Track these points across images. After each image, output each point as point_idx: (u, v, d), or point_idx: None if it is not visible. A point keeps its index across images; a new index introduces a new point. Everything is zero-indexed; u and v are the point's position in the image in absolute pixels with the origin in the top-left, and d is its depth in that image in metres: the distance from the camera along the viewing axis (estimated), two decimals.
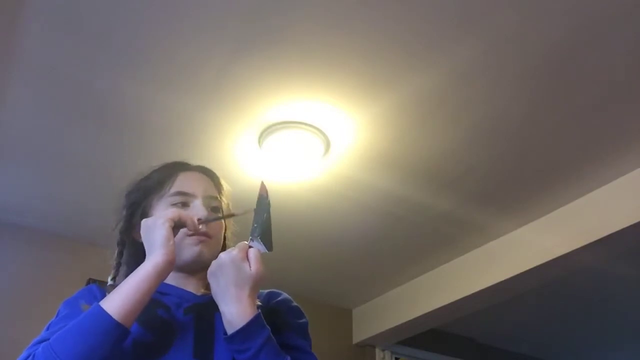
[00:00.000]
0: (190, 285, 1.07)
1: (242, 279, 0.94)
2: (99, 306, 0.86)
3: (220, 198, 1.14)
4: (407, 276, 3.34)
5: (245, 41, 1.86)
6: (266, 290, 1.12)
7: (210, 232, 1.06)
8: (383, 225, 2.83)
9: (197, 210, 1.06)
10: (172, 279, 1.04)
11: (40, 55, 1.91)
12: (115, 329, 0.84)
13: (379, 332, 3.50)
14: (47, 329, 0.95)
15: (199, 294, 1.06)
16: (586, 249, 2.57)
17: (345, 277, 3.35)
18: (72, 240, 2.86)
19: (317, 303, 3.55)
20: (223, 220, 1.12)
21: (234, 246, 1.00)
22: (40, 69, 1.96)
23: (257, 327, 0.92)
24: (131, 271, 0.94)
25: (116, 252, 1.10)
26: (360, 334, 3.65)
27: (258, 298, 1.01)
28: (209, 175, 1.17)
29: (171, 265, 0.93)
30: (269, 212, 1.01)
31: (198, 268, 1.06)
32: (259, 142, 2.29)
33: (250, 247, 0.98)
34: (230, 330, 0.92)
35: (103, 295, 0.99)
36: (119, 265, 1.09)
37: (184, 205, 1.07)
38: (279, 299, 1.11)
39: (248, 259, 0.96)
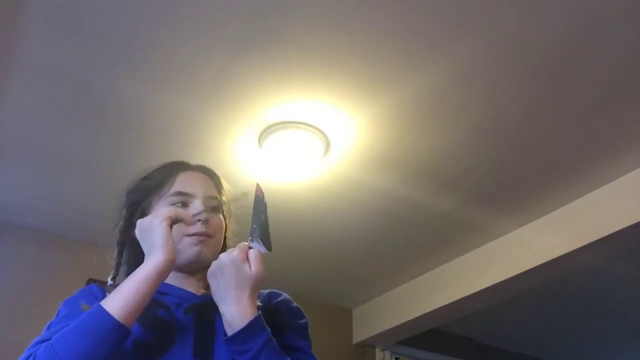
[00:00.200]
0: (190, 285, 1.07)
1: (242, 280, 0.94)
2: (100, 306, 0.86)
3: (221, 198, 1.14)
4: (407, 276, 3.34)
5: (245, 41, 1.86)
6: (266, 291, 1.12)
7: (210, 232, 1.06)
8: (383, 225, 2.83)
9: (197, 210, 1.05)
10: (172, 279, 1.04)
11: (40, 55, 1.91)
12: (116, 329, 0.84)
13: (379, 332, 3.50)
14: (48, 328, 0.95)
15: (199, 294, 1.06)
16: (586, 249, 2.57)
17: (345, 277, 3.35)
18: (72, 240, 2.86)
19: (317, 303, 3.55)
20: (223, 220, 1.12)
21: (234, 246, 1.00)
22: (40, 69, 1.96)
23: (257, 328, 0.91)
24: (131, 271, 0.94)
25: (116, 251, 1.10)
26: (360, 334, 3.65)
27: (258, 298, 1.01)
28: (209, 174, 1.17)
29: (172, 264, 0.93)
30: (266, 213, 1.01)
31: (198, 268, 1.06)
32: (259, 142, 2.29)
33: (250, 247, 0.98)
34: (230, 331, 0.92)
35: (103, 295, 0.99)
36: (118, 265, 1.09)
37: (184, 205, 1.07)
38: (279, 299, 1.11)
39: (248, 260, 0.96)
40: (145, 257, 0.94)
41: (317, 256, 3.10)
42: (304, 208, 2.69)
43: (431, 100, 2.11)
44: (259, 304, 1.01)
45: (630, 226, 2.40)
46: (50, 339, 0.85)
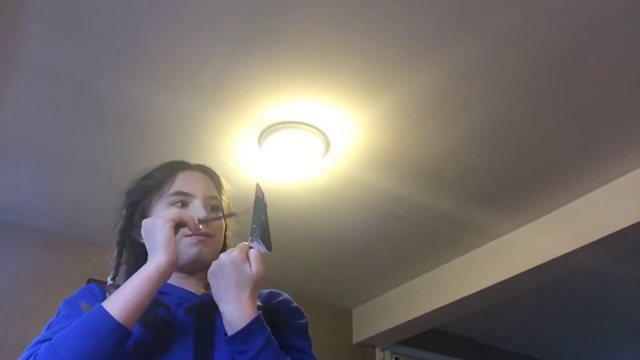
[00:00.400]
0: (191, 285, 1.07)
1: (242, 280, 0.94)
2: (101, 307, 0.86)
3: (221, 197, 1.14)
4: (407, 276, 3.34)
5: (245, 41, 1.86)
6: (266, 290, 1.12)
7: (210, 232, 1.06)
8: (383, 225, 2.83)
9: (197, 210, 1.05)
10: (172, 279, 1.03)
11: (40, 55, 1.91)
12: (117, 330, 0.84)
13: (379, 332, 3.50)
14: (48, 328, 0.95)
15: (199, 293, 1.06)
16: (586, 249, 2.57)
17: (345, 277, 3.35)
18: (72, 240, 2.86)
19: (317, 303, 3.55)
20: (223, 220, 1.12)
21: (234, 245, 1.00)
22: (40, 69, 1.96)
23: (257, 328, 0.91)
24: (131, 270, 0.94)
25: (116, 251, 1.10)
26: (360, 334, 3.65)
27: (258, 298, 1.01)
28: (209, 174, 1.17)
29: (173, 266, 0.92)
30: (266, 213, 1.02)
31: (198, 268, 1.06)
32: (259, 142, 2.29)
33: (250, 247, 0.98)
34: (230, 331, 0.92)
35: (103, 295, 0.99)
36: (118, 264, 1.09)
37: (184, 204, 1.07)
38: (279, 299, 1.11)
39: (248, 260, 0.96)
40: (148, 257, 0.94)
41: (317, 256, 3.10)
42: (304, 208, 2.69)
43: (431, 100, 2.11)
44: (259, 303, 1.01)
45: (630, 226, 2.40)
46: (50, 339, 0.85)
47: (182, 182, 1.10)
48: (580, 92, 2.07)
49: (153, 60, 1.93)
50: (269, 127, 2.22)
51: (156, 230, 0.94)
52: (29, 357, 0.84)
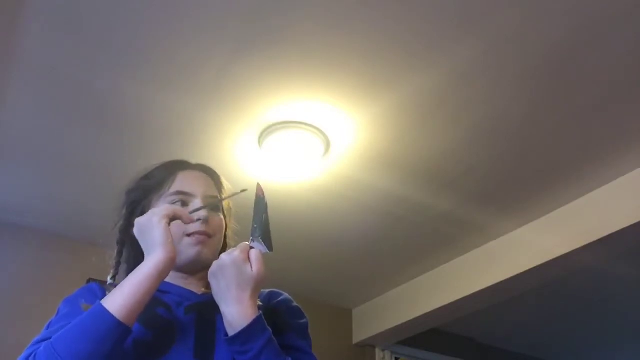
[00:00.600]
0: (191, 285, 1.07)
1: (243, 280, 0.93)
2: (101, 305, 0.86)
3: (221, 197, 1.14)
4: (407, 276, 3.34)
5: (245, 41, 1.86)
6: (267, 290, 1.12)
7: (210, 232, 1.06)
8: (383, 225, 2.83)
9: (195, 208, 1.05)
10: (172, 279, 1.03)
11: (40, 55, 1.91)
12: (116, 328, 0.84)
13: (379, 332, 3.50)
14: (48, 327, 0.95)
15: (199, 293, 1.06)
16: (586, 249, 2.57)
17: (345, 277, 3.35)
18: (72, 240, 2.86)
19: (317, 303, 3.55)
20: (224, 220, 1.12)
21: (235, 245, 1.00)
22: (40, 69, 1.96)
23: (258, 329, 0.91)
24: (131, 270, 0.94)
25: (116, 251, 1.10)
26: (360, 334, 3.65)
27: (259, 298, 1.00)
28: (209, 174, 1.17)
29: (172, 262, 0.92)
30: (267, 213, 1.01)
31: (199, 268, 1.06)
32: (259, 142, 2.29)
33: (251, 247, 0.98)
34: (231, 332, 0.92)
35: (103, 294, 0.98)
36: (118, 264, 1.09)
37: (184, 204, 1.07)
38: (280, 299, 1.11)
39: (249, 260, 0.96)
40: (145, 256, 0.94)
41: (317, 256, 3.10)
42: (304, 208, 2.69)
43: (431, 100, 2.11)
44: (260, 303, 1.00)
45: (630, 226, 2.40)
46: (50, 338, 0.85)
47: (182, 181, 1.10)
48: (580, 92, 2.07)
49: (153, 60, 1.93)
50: (269, 127, 2.22)
51: (152, 227, 0.93)
52: (28, 357, 0.84)
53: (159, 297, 0.99)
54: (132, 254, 1.09)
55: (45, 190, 2.57)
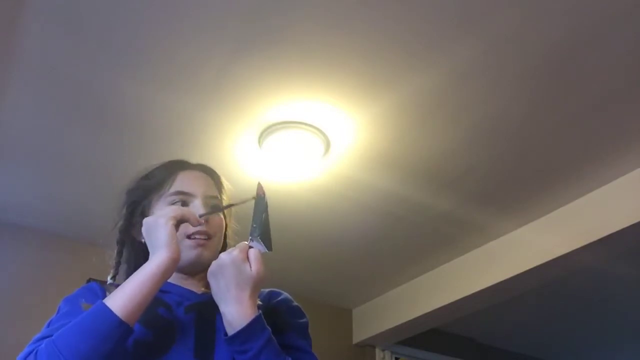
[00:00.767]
0: (191, 285, 1.07)
1: (242, 280, 0.94)
2: (103, 304, 0.86)
3: (221, 197, 1.14)
4: (407, 276, 3.34)
5: (245, 41, 1.86)
6: (267, 290, 1.12)
7: (210, 232, 1.06)
8: (383, 225, 2.83)
9: (197, 209, 1.05)
10: (172, 278, 1.03)
11: (40, 55, 1.91)
12: (118, 327, 0.84)
13: (379, 332, 3.50)
14: (48, 325, 0.95)
15: (199, 292, 1.06)
16: (586, 249, 2.57)
17: (345, 277, 3.35)
18: (72, 240, 2.86)
19: (317, 303, 3.55)
20: (224, 219, 1.12)
21: (234, 245, 1.00)
22: (40, 69, 1.96)
23: (257, 328, 0.91)
24: (131, 270, 0.94)
25: (116, 250, 1.10)
26: (360, 334, 3.65)
27: (258, 297, 1.01)
28: (209, 173, 1.17)
29: (175, 263, 0.93)
30: (267, 212, 1.01)
31: (199, 269, 1.06)
32: (259, 142, 2.29)
33: (250, 247, 0.98)
34: (230, 331, 0.92)
35: (103, 294, 0.99)
36: (118, 264, 1.09)
37: (184, 204, 1.07)
38: (280, 298, 1.11)
39: (249, 260, 0.96)
40: (149, 255, 0.94)
41: (317, 256, 3.10)
42: (304, 208, 2.69)
43: (431, 100, 2.11)
44: (259, 303, 1.01)
45: (630, 226, 2.40)
46: (51, 336, 0.85)
47: (182, 181, 1.10)
48: (580, 92, 2.06)
49: (153, 60, 1.93)
50: (269, 127, 2.22)
51: (158, 228, 0.94)
52: (29, 354, 0.84)
53: (160, 296, 0.99)
54: (132, 254, 1.10)
55: (45, 190, 2.57)
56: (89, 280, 2.50)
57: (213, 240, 1.07)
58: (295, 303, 1.13)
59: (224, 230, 1.13)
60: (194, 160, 1.19)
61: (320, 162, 2.39)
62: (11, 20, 1.78)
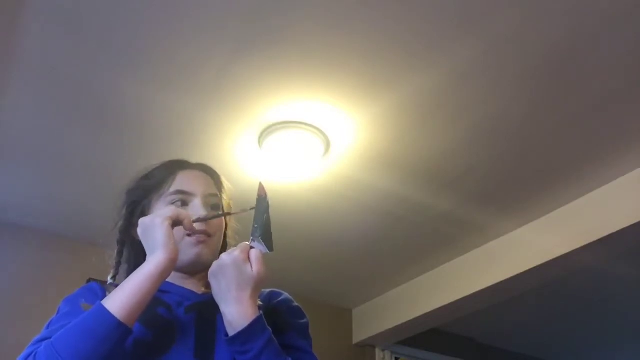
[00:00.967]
0: (191, 285, 1.07)
1: (243, 280, 0.93)
2: (102, 305, 0.86)
3: (221, 196, 1.14)
4: (407, 276, 3.34)
5: (245, 41, 1.86)
6: (267, 290, 1.12)
7: (210, 231, 1.06)
8: (383, 225, 2.83)
9: (197, 209, 1.05)
10: (173, 278, 1.03)
11: (40, 55, 1.91)
12: (117, 328, 0.84)
13: (379, 332, 3.50)
14: (48, 326, 0.95)
15: (200, 292, 1.06)
16: (586, 249, 2.57)
17: (345, 277, 3.35)
18: (72, 240, 2.86)
19: (317, 303, 3.55)
20: (223, 219, 1.12)
21: (235, 244, 1.00)
22: (40, 69, 1.96)
23: (258, 329, 0.91)
24: (132, 270, 0.94)
25: (116, 250, 1.10)
26: (360, 334, 3.65)
27: (259, 297, 1.00)
28: (209, 173, 1.17)
29: (173, 263, 0.92)
30: (268, 213, 1.01)
31: (199, 268, 1.06)
32: (259, 142, 2.29)
33: (251, 247, 0.98)
34: (231, 332, 0.92)
35: (104, 294, 0.99)
36: (118, 264, 1.09)
37: (184, 204, 1.07)
38: (280, 299, 1.11)
39: (250, 260, 0.96)
40: (147, 256, 0.94)
41: (317, 256, 3.10)
42: (304, 208, 2.69)
43: (431, 100, 2.11)
44: (260, 303, 1.01)
45: (630, 226, 2.40)
46: (50, 337, 0.85)
47: (182, 181, 1.09)
48: (580, 92, 2.07)
49: (153, 60, 1.93)
50: (269, 127, 2.22)
51: (155, 228, 0.93)
52: (29, 356, 0.84)
53: (159, 296, 0.99)
54: (133, 254, 1.10)
55: (45, 190, 2.57)
56: (89, 280, 2.50)
57: (213, 239, 1.07)
58: (296, 303, 1.13)
59: (223, 230, 1.12)
60: (194, 160, 1.19)
61: (320, 162, 2.39)
62: (11, 20, 1.78)
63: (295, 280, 3.22)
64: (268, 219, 1.01)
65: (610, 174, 2.49)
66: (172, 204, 1.06)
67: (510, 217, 2.79)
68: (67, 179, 2.50)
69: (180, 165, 1.14)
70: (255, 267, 0.95)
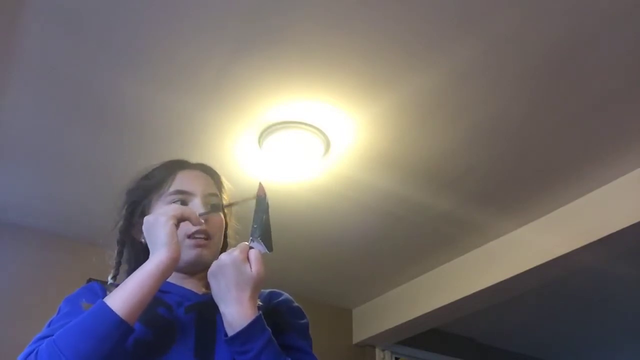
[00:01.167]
0: (191, 285, 1.07)
1: (243, 280, 0.94)
2: (103, 303, 0.86)
3: (221, 196, 1.14)
4: (407, 276, 3.34)
5: (245, 41, 1.86)
6: (267, 290, 1.12)
7: (210, 232, 1.06)
8: (383, 225, 2.83)
9: (196, 208, 1.05)
10: (173, 278, 1.03)
11: (40, 55, 1.91)
12: (119, 326, 0.84)
13: (379, 332, 3.50)
14: (49, 325, 0.95)
15: (200, 292, 1.06)
16: (586, 249, 2.57)
17: (345, 277, 3.35)
18: (72, 240, 2.86)
19: (317, 303, 3.55)
20: (224, 219, 1.12)
21: (235, 244, 1.00)
22: (40, 69, 1.96)
23: (257, 329, 0.91)
24: (132, 270, 0.94)
25: (116, 251, 1.10)
26: (360, 334, 3.65)
27: (259, 298, 1.01)
28: (209, 173, 1.17)
29: (175, 262, 0.93)
30: (267, 213, 1.01)
31: (199, 268, 1.06)
32: (259, 142, 2.29)
33: (250, 247, 0.98)
34: (230, 332, 0.92)
35: (104, 294, 0.99)
36: (119, 264, 1.09)
37: (183, 203, 1.07)
38: (280, 299, 1.11)
39: (249, 260, 0.96)
40: (149, 254, 0.94)
41: (317, 256, 3.10)
42: (304, 208, 2.69)
43: (431, 100, 2.11)
44: (260, 303, 1.01)
45: (630, 226, 2.40)
46: (52, 335, 0.85)
47: (181, 180, 1.10)
48: (580, 92, 2.07)
49: (153, 60, 1.93)
50: (269, 127, 2.22)
51: (158, 227, 0.94)
52: (30, 354, 0.84)
53: (160, 296, 0.99)
54: (133, 254, 1.10)
55: (45, 190, 2.57)
56: (89, 280, 2.50)
57: (213, 240, 1.07)
58: (296, 304, 1.13)
59: (224, 230, 1.13)
60: (194, 160, 1.20)
61: (320, 162, 2.39)
62: (11, 20, 1.78)
63: (295, 280, 3.22)
64: (267, 219, 1.01)
65: (610, 174, 2.49)
66: (172, 203, 1.06)
67: (510, 217, 2.79)
68: (67, 179, 2.50)
69: (180, 165, 1.14)
70: (254, 268, 0.95)
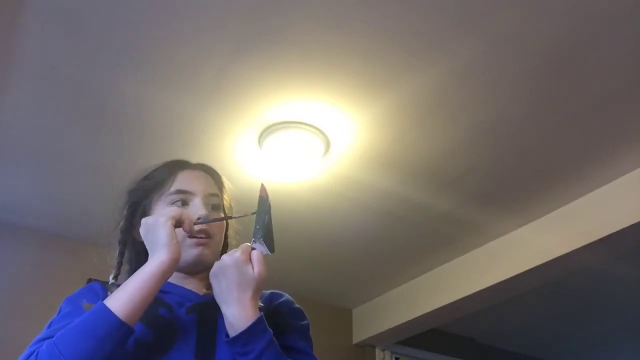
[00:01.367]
0: (192, 285, 1.07)
1: (244, 281, 0.93)
2: (104, 304, 0.86)
3: (222, 196, 1.14)
4: (407, 276, 3.34)
5: (245, 41, 1.86)
6: (268, 291, 1.12)
7: (210, 232, 1.06)
8: (383, 225, 2.83)
9: (197, 208, 1.05)
10: (174, 279, 1.03)
11: (40, 55, 1.91)
12: (119, 328, 0.84)
13: (379, 332, 3.50)
14: (49, 326, 0.95)
15: (201, 293, 1.06)
16: (586, 249, 2.57)
17: (345, 277, 3.35)
18: (72, 240, 2.86)
19: (317, 303, 3.55)
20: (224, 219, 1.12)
21: (236, 245, 1.00)
22: (40, 69, 1.96)
23: (259, 330, 0.91)
24: (133, 270, 0.94)
25: (117, 251, 1.10)
26: (360, 334, 3.65)
27: (260, 299, 1.00)
28: (210, 173, 1.17)
29: (176, 263, 0.93)
30: (269, 214, 1.01)
31: (200, 269, 1.06)
32: (259, 142, 2.29)
33: (252, 248, 0.98)
34: (232, 333, 0.92)
35: (105, 294, 0.99)
36: (120, 264, 1.09)
37: (184, 203, 1.07)
38: (281, 300, 1.11)
39: (251, 261, 0.96)
40: (149, 256, 0.94)
41: (317, 256, 3.10)
42: (304, 208, 2.69)
43: (431, 100, 2.11)
44: (261, 304, 1.01)
45: (630, 226, 2.40)
46: (52, 337, 0.85)
47: (182, 180, 1.10)
48: (580, 92, 2.07)
49: (153, 60, 1.93)
50: (269, 127, 2.22)
51: (158, 228, 0.94)
52: (30, 355, 0.84)
53: (161, 297, 0.99)
54: (134, 254, 1.10)
55: (45, 190, 2.57)
56: (89, 280, 2.50)
57: (214, 240, 1.07)
58: (297, 305, 1.13)
59: (224, 230, 1.13)
60: (194, 160, 1.20)
61: (320, 162, 2.39)
62: (11, 20, 1.78)
63: (295, 281, 3.22)
64: (269, 220, 1.01)
65: (610, 174, 2.49)
66: (173, 203, 1.06)
67: (510, 217, 2.79)
68: (67, 179, 2.50)
69: (180, 165, 1.14)
70: (256, 269, 0.95)
